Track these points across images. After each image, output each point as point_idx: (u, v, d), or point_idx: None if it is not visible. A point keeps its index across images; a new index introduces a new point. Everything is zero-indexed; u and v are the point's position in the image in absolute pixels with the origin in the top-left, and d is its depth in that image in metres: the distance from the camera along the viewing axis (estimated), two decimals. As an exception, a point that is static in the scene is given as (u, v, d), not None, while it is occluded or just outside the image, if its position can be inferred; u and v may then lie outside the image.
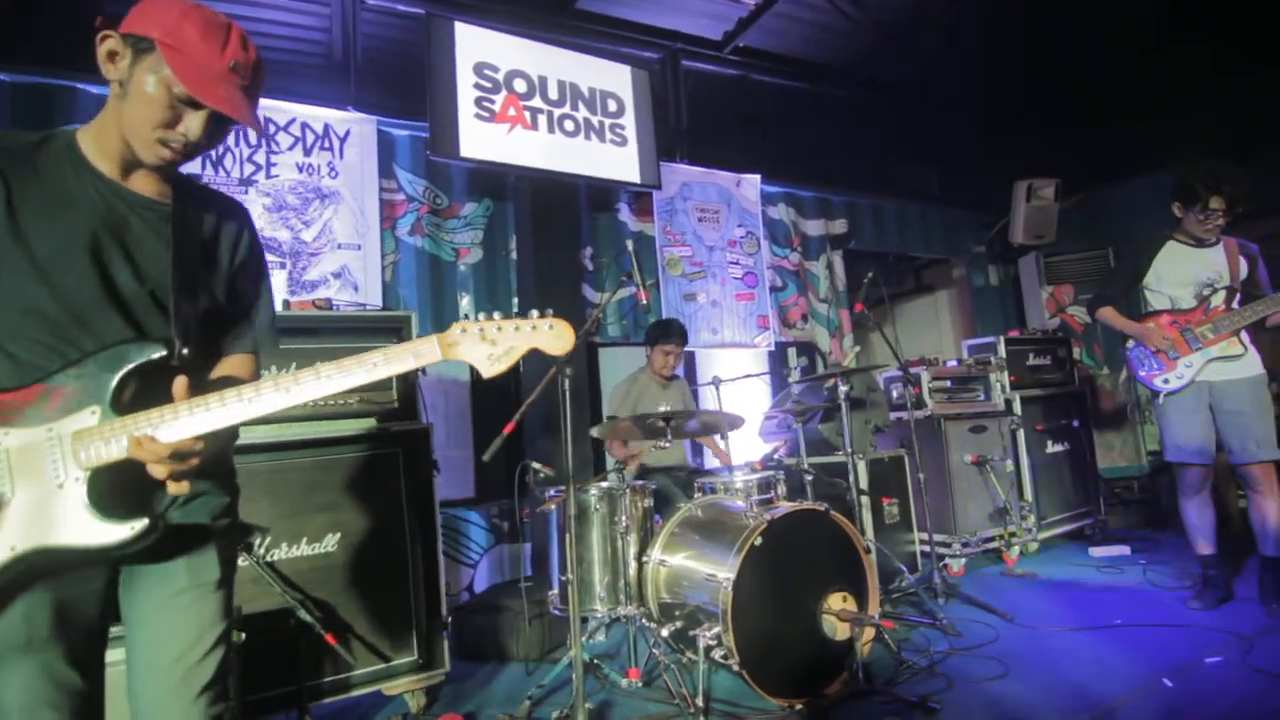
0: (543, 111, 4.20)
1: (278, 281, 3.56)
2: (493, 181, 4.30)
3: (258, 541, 2.41)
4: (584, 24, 4.65)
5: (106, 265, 1.17)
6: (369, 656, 2.50)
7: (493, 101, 4.03)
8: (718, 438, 4.01)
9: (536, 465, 2.86)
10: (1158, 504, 5.06)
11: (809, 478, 3.28)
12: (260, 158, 3.68)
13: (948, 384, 4.46)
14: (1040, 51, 5.23)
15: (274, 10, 4.00)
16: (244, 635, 2.04)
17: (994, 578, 4.01)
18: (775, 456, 3.73)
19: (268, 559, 2.42)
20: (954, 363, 4.61)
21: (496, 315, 1.26)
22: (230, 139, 3.57)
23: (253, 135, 3.64)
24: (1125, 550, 4.25)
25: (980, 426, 4.37)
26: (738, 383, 4.24)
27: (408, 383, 2.77)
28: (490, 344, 1.25)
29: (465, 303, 4.19)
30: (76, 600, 1.16)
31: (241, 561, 2.25)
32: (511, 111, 4.08)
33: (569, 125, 4.28)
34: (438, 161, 4.03)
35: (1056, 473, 4.68)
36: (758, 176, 5.30)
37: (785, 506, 2.62)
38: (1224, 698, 2.28)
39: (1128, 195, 5.89)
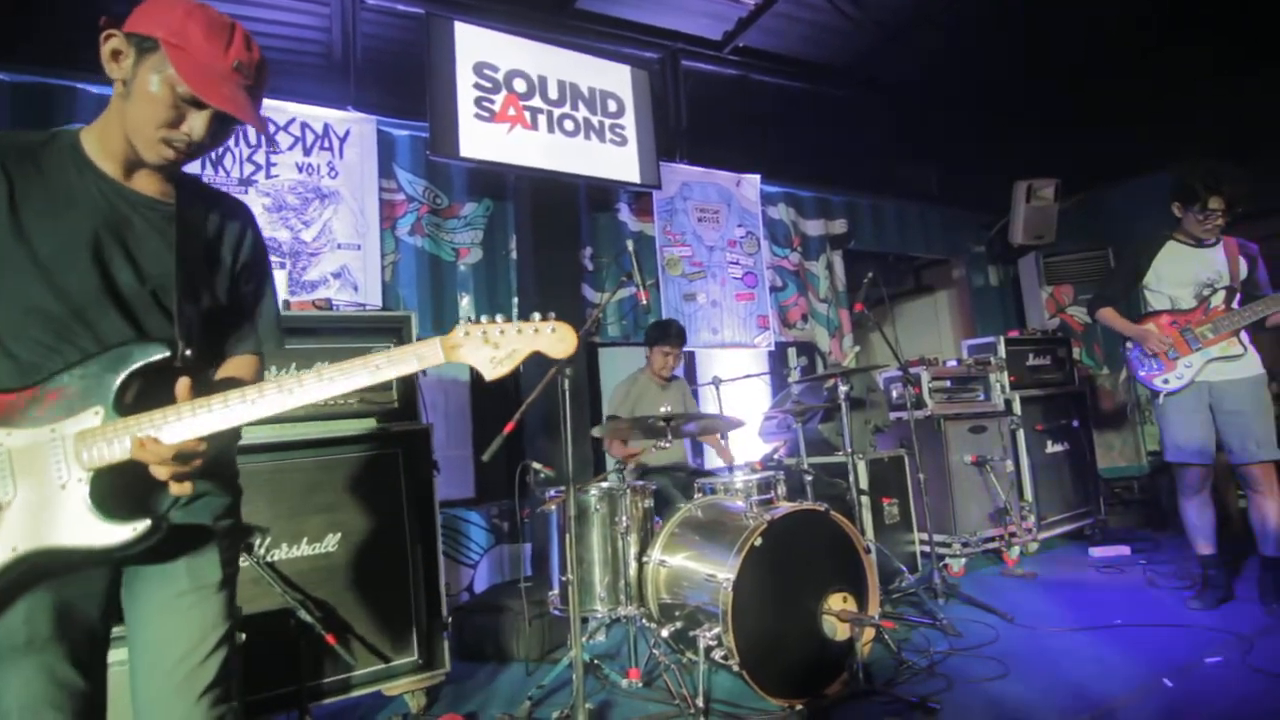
0: (542, 111, 4.20)
1: (277, 282, 3.55)
2: (493, 181, 4.30)
3: (258, 542, 2.41)
4: (584, 24, 4.65)
5: (108, 265, 1.17)
6: (369, 657, 2.50)
7: (492, 101, 4.03)
8: (720, 437, 4.02)
9: (537, 465, 2.86)
10: (1158, 504, 5.06)
11: (809, 478, 3.27)
12: (260, 158, 3.68)
13: (948, 384, 4.47)
14: (1040, 51, 5.23)
15: (274, 10, 3.99)
16: (244, 636, 2.03)
17: (994, 578, 4.01)
18: (775, 457, 3.73)
19: (268, 559, 2.41)
20: (954, 363, 4.61)
21: (499, 318, 1.27)
22: (230, 139, 3.56)
23: (253, 135, 3.64)
24: (1125, 550, 4.25)
25: (980, 426, 4.37)
26: (738, 383, 4.25)
27: (408, 383, 2.77)
28: (493, 346, 1.25)
29: (465, 303, 4.19)
30: (78, 601, 1.16)
31: (242, 562, 2.24)
32: (511, 111, 4.08)
33: (569, 125, 4.28)
34: (437, 161, 4.02)
35: (1056, 473, 4.69)
36: (758, 176, 5.30)
37: (785, 507, 2.62)
38: (1224, 698, 2.28)
39: (1127, 195, 5.89)
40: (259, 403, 1.16)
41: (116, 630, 1.23)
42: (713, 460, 4.56)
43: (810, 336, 5.40)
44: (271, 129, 3.71)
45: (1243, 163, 3.14)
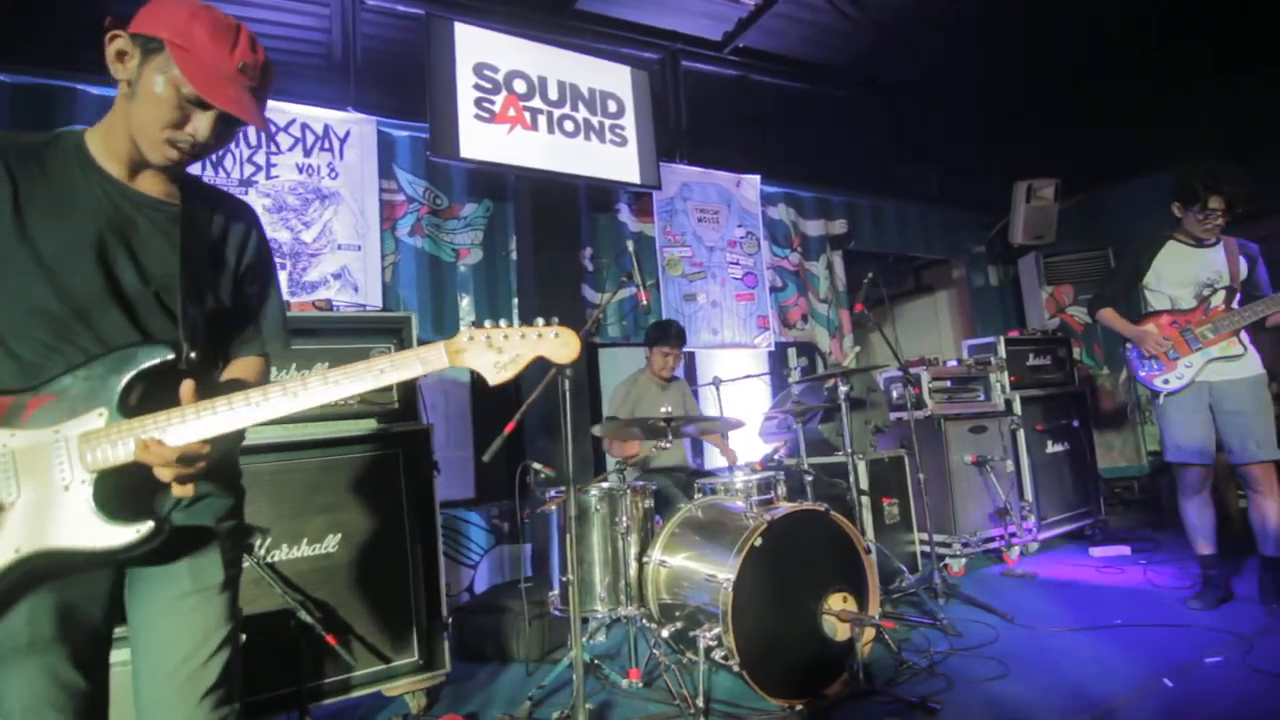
0: (542, 112, 4.20)
1: (278, 282, 3.55)
2: (493, 182, 4.30)
3: (258, 542, 2.41)
4: (584, 24, 4.65)
5: (111, 265, 1.17)
6: (369, 657, 2.51)
7: (492, 102, 4.03)
8: (721, 435, 4.02)
9: (537, 466, 2.86)
10: (1158, 504, 5.06)
11: (809, 478, 3.28)
12: (260, 158, 3.68)
13: (948, 384, 4.47)
14: (1040, 51, 5.23)
15: (274, 10, 3.99)
16: (244, 636, 2.03)
17: (994, 578, 4.01)
18: (775, 457, 3.73)
19: (268, 560, 2.42)
20: (954, 363, 4.61)
21: (503, 323, 1.28)
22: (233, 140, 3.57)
23: (253, 135, 3.64)
24: (1125, 550, 4.26)
25: (980, 427, 4.37)
26: (738, 383, 4.25)
27: (408, 384, 2.77)
28: (497, 351, 1.26)
29: (465, 303, 4.19)
30: (81, 602, 1.16)
31: (242, 563, 2.25)
32: (511, 112, 4.08)
33: (569, 126, 4.28)
34: (438, 162, 4.02)
35: (1056, 473, 4.69)
36: (757, 177, 5.30)
37: (785, 507, 2.62)
38: (1224, 698, 2.29)
39: (1127, 195, 5.90)
40: (263, 406, 1.16)
41: (118, 630, 1.23)
42: (713, 460, 4.57)
43: (810, 337, 5.41)
44: (272, 129, 3.71)
45: (1243, 163, 3.14)
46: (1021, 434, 4.55)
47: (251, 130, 3.32)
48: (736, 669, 2.33)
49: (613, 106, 4.48)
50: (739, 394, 4.50)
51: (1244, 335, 3.10)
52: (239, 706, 1.26)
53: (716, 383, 4.00)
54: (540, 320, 1.30)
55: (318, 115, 3.83)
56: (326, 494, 2.54)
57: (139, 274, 1.20)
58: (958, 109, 5.99)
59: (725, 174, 5.16)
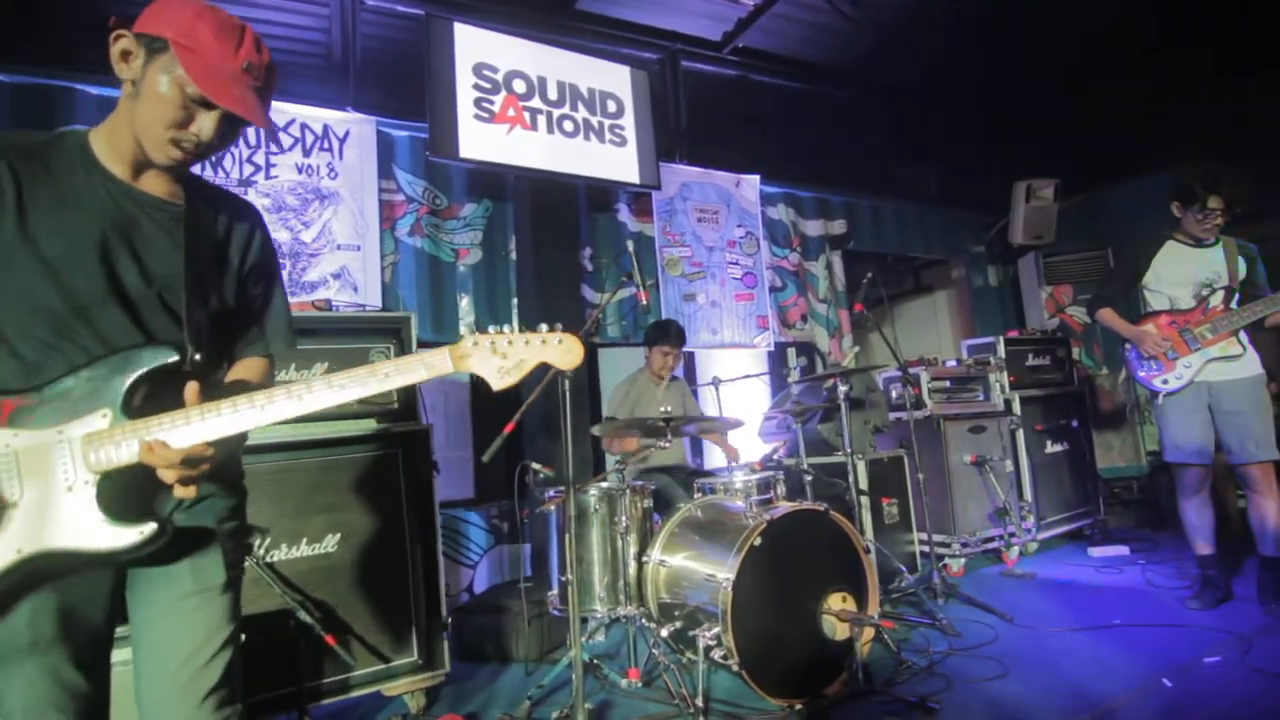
0: (542, 112, 4.20)
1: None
2: (492, 182, 4.30)
3: (258, 542, 2.41)
4: (583, 24, 4.66)
5: (114, 265, 1.17)
6: (369, 657, 2.51)
7: (492, 102, 4.03)
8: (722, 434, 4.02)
9: (536, 466, 2.86)
10: (1157, 504, 5.07)
11: (808, 478, 3.28)
12: (260, 158, 3.68)
13: (947, 384, 4.47)
14: (1040, 52, 5.24)
15: (273, 10, 3.99)
16: (244, 636, 2.04)
17: (993, 578, 4.02)
18: (775, 457, 3.74)
19: (268, 560, 2.42)
20: (953, 363, 4.62)
21: (507, 328, 1.29)
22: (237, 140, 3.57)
23: (253, 135, 3.65)
24: (1125, 550, 4.26)
25: (979, 427, 4.37)
26: (737, 383, 4.25)
27: (409, 385, 2.77)
28: (501, 357, 1.27)
29: (465, 304, 4.18)
30: (82, 602, 1.16)
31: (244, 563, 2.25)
32: (511, 112, 4.08)
33: (568, 126, 4.28)
34: (437, 162, 4.02)
35: (1056, 473, 4.69)
36: (757, 177, 5.30)
37: (785, 507, 2.63)
38: (1223, 698, 2.29)
39: (1127, 195, 5.90)
40: (268, 409, 1.16)
41: (119, 630, 1.23)
42: (713, 460, 4.57)
43: (810, 337, 5.41)
44: (275, 129, 3.70)
45: (1243, 163, 3.15)
46: (1021, 434, 4.55)
47: (251, 130, 3.32)
48: (736, 668, 2.33)
49: (612, 106, 4.48)
50: (738, 394, 4.50)
51: (1243, 335, 3.10)
52: (241, 707, 1.26)
53: (716, 383, 4.01)
54: (544, 326, 1.31)
55: (317, 115, 3.83)
56: (326, 494, 2.54)
57: (141, 274, 1.20)
58: (957, 109, 5.99)
59: (725, 174, 5.17)
